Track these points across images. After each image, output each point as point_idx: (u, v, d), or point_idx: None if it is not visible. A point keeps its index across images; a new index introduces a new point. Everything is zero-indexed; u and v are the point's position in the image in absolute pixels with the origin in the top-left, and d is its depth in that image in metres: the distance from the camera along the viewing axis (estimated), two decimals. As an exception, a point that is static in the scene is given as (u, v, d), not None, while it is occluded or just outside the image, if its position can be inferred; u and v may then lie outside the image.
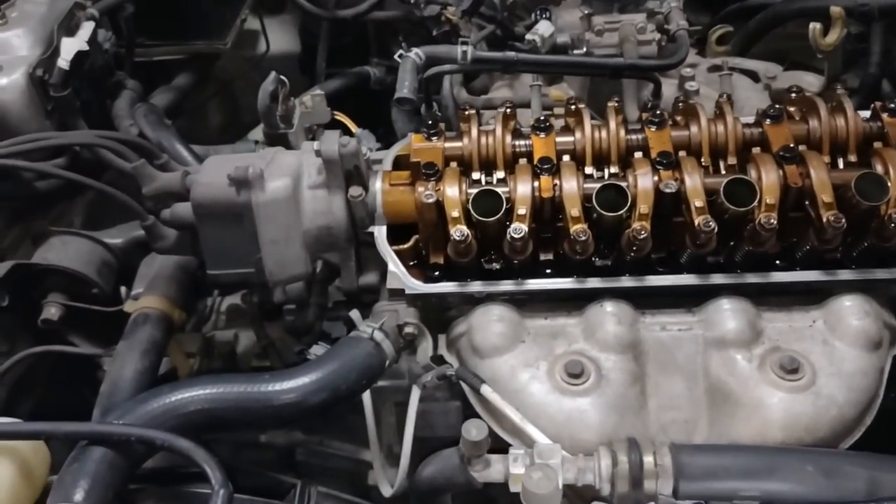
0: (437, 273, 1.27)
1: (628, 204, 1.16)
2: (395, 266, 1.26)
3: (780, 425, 1.11)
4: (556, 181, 1.22)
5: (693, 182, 1.18)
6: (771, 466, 0.98)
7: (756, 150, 1.24)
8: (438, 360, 1.29)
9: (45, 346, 1.56)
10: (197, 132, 2.05)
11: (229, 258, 1.26)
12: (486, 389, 1.17)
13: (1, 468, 1.07)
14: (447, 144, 1.30)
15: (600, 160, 1.27)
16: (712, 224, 1.14)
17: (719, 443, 1.12)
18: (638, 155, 1.25)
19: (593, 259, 1.23)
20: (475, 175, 1.28)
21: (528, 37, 1.63)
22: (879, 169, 1.18)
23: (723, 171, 1.25)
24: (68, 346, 1.59)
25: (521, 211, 1.19)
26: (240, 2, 2.08)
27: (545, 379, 1.18)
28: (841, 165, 1.24)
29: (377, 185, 1.30)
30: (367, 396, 1.30)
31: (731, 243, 1.22)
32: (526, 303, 1.26)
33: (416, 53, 1.47)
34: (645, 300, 1.24)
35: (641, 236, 1.16)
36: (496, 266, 1.25)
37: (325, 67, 2.02)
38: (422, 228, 1.27)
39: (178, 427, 1.08)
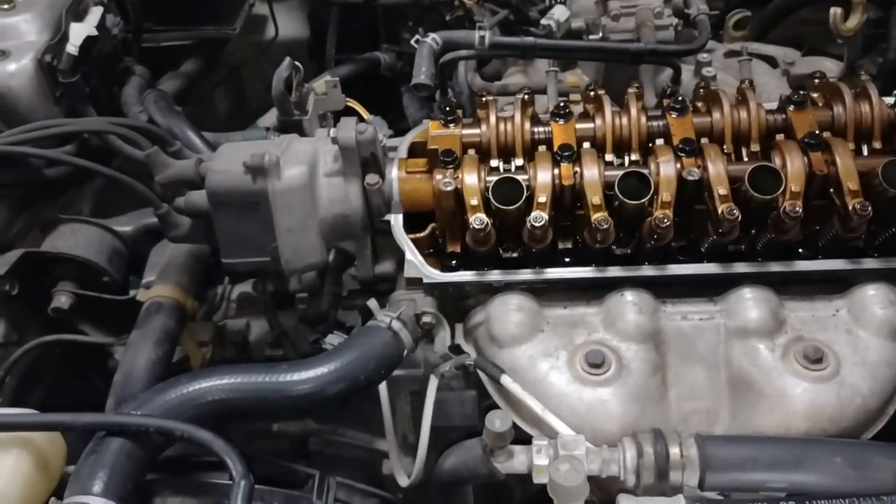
0: (454, 262, 1.25)
1: (651, 192, 1.15)
2: (412, 255, 1.24)
3: (804, 416, 1.10)
4: (577, 168, 1.20)
5: (717, 169, 1.16)
6: (799, 458, 0.97)
7: (780, 136, 1.22)
8: (456, 349, 1.27)
9: (56, 334, 1.55)
10: (204, 119, 2.03)
11: (244, 246, 1.25)
12: (506, 379, 1.16)
13: (17, 459, 1.06)
14: (465, 131, 1.28)
15: (621, 147, 1.25)
16: (736, 212, 1.13)
17: (742, 434, 1.11)
18: (659, 142, 1.23)
19: (613, 248, 1.21)
20: (493, 163, 1.26)
21: (544, 21, 1.61)
22: (905, 156, 1.17)
23: (745, 159, 1.23)
24: (78, 335, 1.57)
25: (542, 199, 1.17)
26: (248, -14, 2.06)
27: (565, 369, 1.16)
28: (866, 152, 1.22)
29: (393, 172, 1.28)
30: (382, 386, 1.29)
31: (754, 232, 1.20)
32: (545, 292, 1.25)
33: (433, 38, 1.44)
34: (665, 289, 1.23)
35: (664, 224, 1.14)
36: (514, 255, 1.24)
37: (335, 53, 2.00)
38: (439, 217, 1.25)
39: (196, 417, 1.07)
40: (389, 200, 1.27)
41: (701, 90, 1.32)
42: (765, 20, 1.87)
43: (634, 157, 1.24)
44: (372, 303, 1.26)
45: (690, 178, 1.16)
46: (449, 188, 1.20)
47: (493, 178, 1.19)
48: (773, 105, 1.27)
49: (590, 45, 1.62)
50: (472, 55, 1.49)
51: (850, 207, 1.13)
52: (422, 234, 1.28)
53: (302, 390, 1.12)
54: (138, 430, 1.02)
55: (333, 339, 1.36)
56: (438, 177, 1.21)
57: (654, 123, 1.25)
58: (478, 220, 1.17)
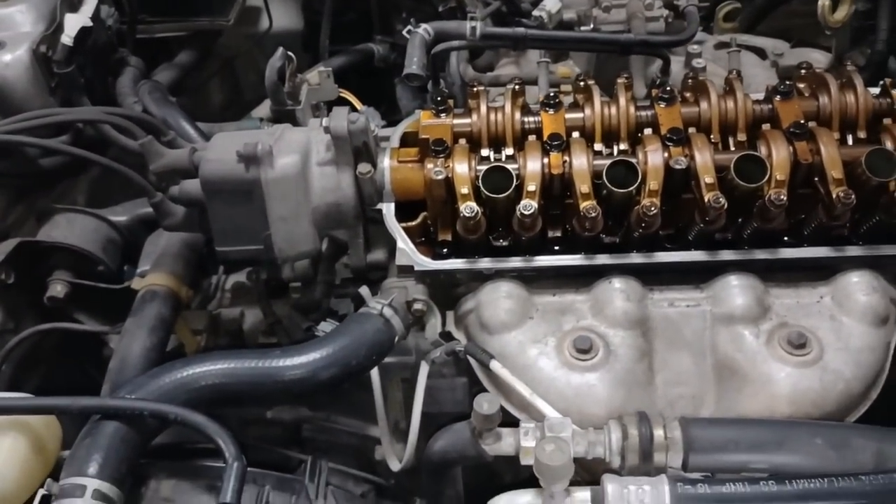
0: (445, 250, 1.27)
1: (638, 180, 1.16)
2: (403, 243, 1.26)
3: (788, 400, 1.12)
4: (566, 158, 1.22)
5: (703, 158, 1.18)
6: (780, 439, 0.99)
7: (766, 126, 1.24)
8: (447, 336, 1.29)
9: (51, 323, 1.56)
10: (199, 110, 2.04)
11: (238, 235, 1.26)
12: (495, 365, 1.17)
13: (13, 442, 1.08)
14: (456, 121, 1.29)
15: (610, 137, 1.27)
16: (722, 200, 1.14)
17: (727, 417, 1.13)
18: (648, 131, 1.25)
19: (601, 236, 1.23)
20: (484, 152, 1.27)
21: (535, 13, 1.62)
22: (889, 145, 1.19)
23: (732, 148, 1.25)
24: (74, 324, 1.59)
25: (531, 187, 1.19)
26: (242, -22, 2.06)
27: (553, 355, 1.18)
28: (850, 142, 1.24)
29: (385, 162, 1.29)
30: (374, 373, 1.31)
31: (740, 220, 1.22)
32: (534, 279, 1.26)
33: (425, 29, 1.46)
34: (653, 277, 1.24)
35: (651, 213, 1.16)
36: (504, 243, 1.25)
37: (329, 45, 2.01)
38: (430, 205, 1.27)
39: (190, 402, 1.08)
40: (381, 189, 1.29)
41: (689, 80, 1.33)
42: (755, 12, 1.88)
43: (623, 146, 1.26)
44: (364, 290, 1.27)
45: (678, 166, 1.18)
46: (440, 177, 1.21)
47: (484, 167, 1.20)
48: (760, 95, 1.29)
49: (580, 35, 1.63)
50: (464, 46, 1.50)
51: (834, 196, 1.14)
52: (413, 223, 1.29)
53: (294, 375, 1.13)
54: (133, 413, 1.04)
55: (326, 327, 1.38)
56: (429, 166, 1.23)
57: (643, 113, 1.27)
58: (468, 208, 1.19)
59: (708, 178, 1.17)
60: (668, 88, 1.27)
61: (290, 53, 1.41)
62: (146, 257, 1.55)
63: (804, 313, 1.20)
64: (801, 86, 1.30)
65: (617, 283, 1.22)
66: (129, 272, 1.61)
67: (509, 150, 1.27)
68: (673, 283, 1.25)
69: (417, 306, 1.25)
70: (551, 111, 1.28)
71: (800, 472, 0.94)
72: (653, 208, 1.16)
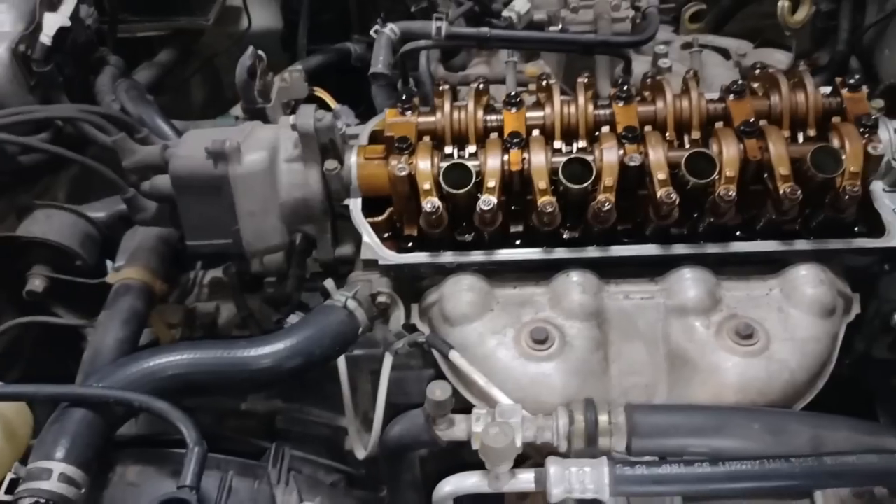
0: (410, 244, 1.31)
1: (593, 177, 1.20)
2: (369, 237, 1.29)
3: (735, 388, 1.15)
4: (525, 155, 1.25)
5: (657, 155, 1.22)
6: (720, 424, 1.03)
7: (719, 124, 1.28)
8: (411, 328, 1.33)
9: (30, 316, 1.59)
10: (180, 108, 2.08)
11: (208, 229, 1.30)
12: (454, 355, 1.21)
13: (-15, 429, 1.11)
14: (420, 119, 1.33)
15: (569, 135, 1.30)
16: (674, 196, 1.18)
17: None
18: (605, 129, 1.29)
19: (561, 231, 1.27)
20: (448, 149, 1.31)
21: (505, 13, 1.66)
22: (836, 143, 1.22)
23: (687, 146, 1.28)
24: (52, 318, 1.62)
25: (491, 183, 1.23)
26: (222, -22, 2.10)
27: (511, 345, 1.22)
28: (801, 140, 1.28)
29: (352, 158, 1.33)
30: (342, 365, 1.34)
31: (695, 215, 1.26)
32: (496, 273, 1.30)
33: (391, 29, 1.49)
34: (611, 270, 1.28)
35: (606, 208, 1.19)
36: (468, 238, 1.29)
37: (307, 44, 2.04)
38: (395, 201, 1.30)
39: (157, 391, 1.12)
40: (348, 185, 1.32)
41: (647, 80, 1.37)
42: (721, 13, 1.92)
43: (582, 143, 1.29)
44: (329, 283, 1.31)
45: (632, 163, 1.22)
46: (403, 173, 1.25)
47: (445, 164, 1.24)
48: (715, 95, 1.33)
49: (542, 35, 1.67)
50: (431, 45, 1.53)
51: (782, 191, 1.18)
52: (380, 218, 1.33)
53: (259, 365, 1.17)
54: (99, 401, 1.07)
55: (294, 319, 1.41)
56: (394, 162, 1.26)
57: (601, 112, 1.31)
58: (430, 203, 1.22)
59: (661, 174, 1.20)
60: (626, 88, 1.30)
61: (260, 52, 1.44)
62: (123, 252, 1.58)
63: (753, 305, 1.23)
64: (755, 85, 1.34)
65: (574, 276, 1.26)
66: (108, 267, 1.65)
67: (472, 148, 1.30)
68: (630, 277, 1.28)
69: (381, 299, 1.29)
70: (513, 110, 1.32)
71: (738, 455, 0.97)
72: (607, 203, 1.20)
